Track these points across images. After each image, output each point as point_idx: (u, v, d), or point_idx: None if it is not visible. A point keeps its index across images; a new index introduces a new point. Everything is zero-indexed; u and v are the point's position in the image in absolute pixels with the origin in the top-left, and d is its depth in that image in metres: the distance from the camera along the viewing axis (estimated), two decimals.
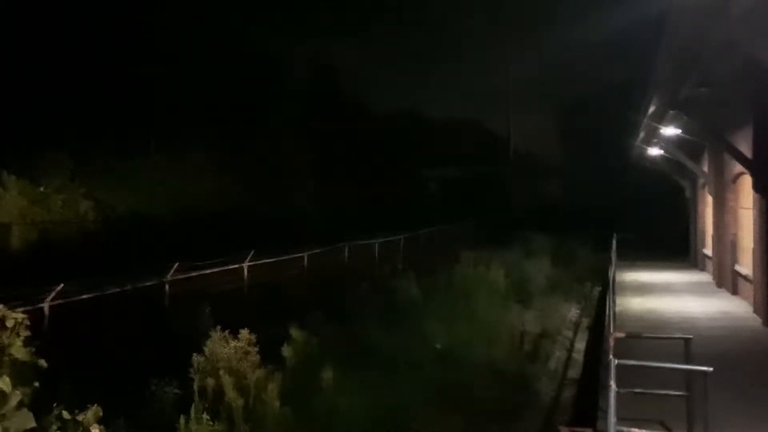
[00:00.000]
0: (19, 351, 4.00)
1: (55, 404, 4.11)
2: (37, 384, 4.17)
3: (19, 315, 4.17)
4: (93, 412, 4.06)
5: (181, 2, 38.59)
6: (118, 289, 13.32)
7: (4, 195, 22.99)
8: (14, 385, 3.75)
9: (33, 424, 3.95)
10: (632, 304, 16.21)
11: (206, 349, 8.42)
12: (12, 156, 23.95)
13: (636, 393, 7.08)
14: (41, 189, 24.73)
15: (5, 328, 4.00)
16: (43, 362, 4.22)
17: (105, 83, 31.99)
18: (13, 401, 3.71)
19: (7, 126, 25.91)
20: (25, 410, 3.87)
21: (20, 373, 3.94)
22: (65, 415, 3.94)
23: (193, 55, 37.51)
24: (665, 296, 17.45)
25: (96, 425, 4.16)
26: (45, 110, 28.72)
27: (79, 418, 4.01)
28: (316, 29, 53.26)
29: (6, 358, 3.96)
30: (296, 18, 50.98)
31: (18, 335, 4.07)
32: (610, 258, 19.65)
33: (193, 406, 7.56)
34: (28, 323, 4.26)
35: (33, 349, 4.18)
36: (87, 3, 32.72)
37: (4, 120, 26.07)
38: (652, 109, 16.14)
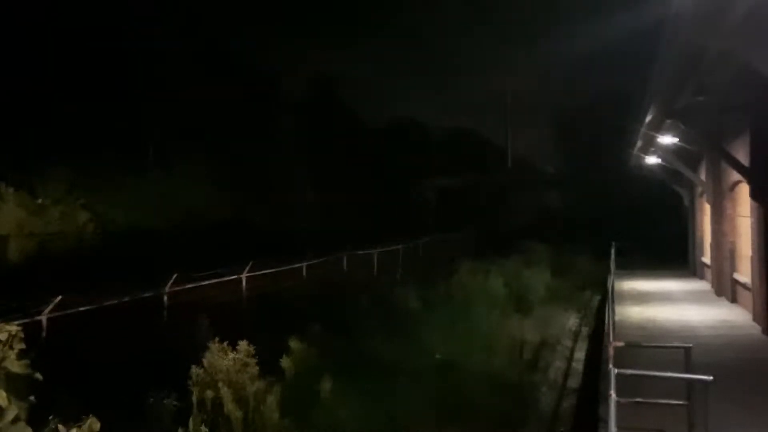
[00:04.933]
0: (13, 364, 3.96)
1: (51, 417, 4.08)
2: (33, 398, 4.13)
3: (13, 327, 4.13)
4: (89, 424, 4.02)
5: (179, 14, 38.73)
6: (116, 301, 13.26)
7: (1, 207, 22.95)
8: (9, 399, 3.71)
9: None
10: (632, 313, 16.19)
11: (205, 361, 8.38)
12: (9, 168, 23.93)
13: (636, 402, 7.05)
14: (39, 201, 24.69)
15: None
16: (38, 375, 4.18)
17: (103, 95, 32.04)
18: (10, 415, 3.68)
19: (5, 137, 25.90)
20: (22, 424, 3.84)
21: (15, 387, 3.90)
22: (61, 429, 3.91)
23: (191, 67, 37.61)
24: (664, 305, 17.43)
25: None
26: (43, 122, 28.73)
27: (74, 431, 3.97)
28: (314, 40, 53.43)
29: (0, 372, 3.93)
30: (294, 29, 51.14)
31: (12, 348, 4.03)
32: (608, 267, 19.64)
33: (191, 418, 7.53)
34: (23, 336, 4.22)
35: (28, 362, 4.14)
36: (86, 14, 32.81)
37: (1, 131, 26.07)
38: (649, 117, 16.17)
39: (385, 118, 55.84)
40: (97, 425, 4.07)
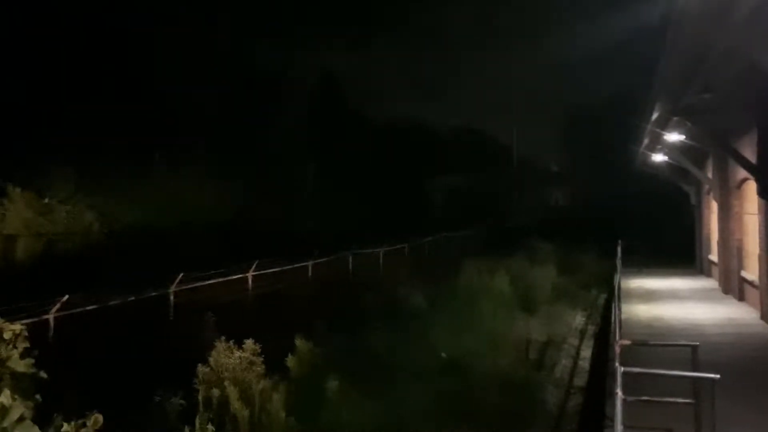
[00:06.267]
0: (17, 363, 3.96)
1: (55, 414, 4.09)
2: (38, 396, 4.13)
3: (17, 326, 4.14)
4: (93, 420, 4.01)
5: (184, 13, 38.79)
6: (122, 300, 13.32)
7: (9, 207, 23.05)
8: (14, 398, 3.71)
9: None
10: (638, 311, 16.14)
11: (211, 360, 8.39)
12: (16, 168, 24.02)
13: (643, 401, 7.03)
14: (46, 201, 24.79)
15: (2, 340, 3.96)
16: (43, 374, 4.19)
17: (109, 95, 32.12)
18: (15, 414, 3.68)
19: (11, 138, 26.00)
20: (28, 422, 3.84)
21: (20, 386, 3.90)
22: (66, 427, 3.91)
23: (197, 67, 37.67)
24: (671, 303, 17.37)
25: None
26: (49, 122, 28.84)
27: (72, 427, 3.96)
28: (320, 39, 53.47)
29: (5, 371, 3.92)
30: (300, 29, 51.21)
31: (15, 347, 4.03)
32: (615, 265, 19.57)
33: (197, 416, 7.54)
34: (27, 334, 4.22)
35: (32, 361, 4.14)
36: (90, 14, 32.90)
37: (7, 132, 26.18)
38: (655, 115, 16.11)
39: (392, 117, 55.82)
40: (101, 420, 4.07)
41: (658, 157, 22.74)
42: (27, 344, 4.17)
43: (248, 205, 34.59)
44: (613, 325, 12.62)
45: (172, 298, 14.53)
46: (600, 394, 9.71)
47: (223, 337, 8.74)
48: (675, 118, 15.73)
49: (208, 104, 37.12)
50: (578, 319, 19.46)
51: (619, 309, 12.51)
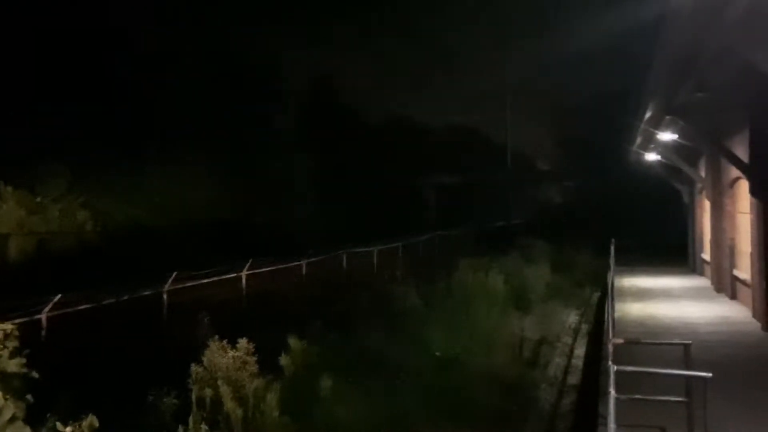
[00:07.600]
0: (8, 363, 3.93)
1: (48, 415, 4.06)
2: (30, 396, 4.09)
3: (7, 326, 4.10)
4: (89, 422, 4.00)
5: (179, 11, 38.68)
6: (116, 300, 13.26)
7: (1, 206, 22.94)
8: (5, 398, 3.67)
9: None
10: (632, 309, 16.19)
11: (204, 359, 8.37)
12: (8, 166, 23.90)
13: (636, 399, 7.05)
14: (38, 199, 24.67)
15: None
16: (35, 374, 4.15)
17: (102, 93, 32.01)
18: (6, 414, 3.65)
19: (4, 136, 25.87)
20: (20, 423, 3.81)
21: (11, 386, 3.86)
22: (59, 427, 3.88)
23: (191, 65, 37.57)
24: (664, 302, 17.43)
25: None
26: (43, 120, 28.71)
27: (68, 429, 3.94)
28: (314, 38, 53.45)
29: None
30: (294, 27, 51.14)
31: (5, 347, 3.99)
32: (608, 263, 19.62)
33: (191, 416, 7.52)
34: (17, 334, 4.18)
35: (24, 361, 4.10)
36: (85, 12, 32.78)
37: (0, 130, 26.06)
38: (648, 114, 16.16)
39: (385, 116, 55.73)
40: (96, 423, 4.05)
41: (651, 156, 22.82)
42: (17, 343, 4.13)
43: (242, 204, 34.53)
44: (606, 323, 12.67)
45: (165, 297, 14.47)
46: (593, 393, 9.73)
47: (216, 336, 8.72)
48: (668, 117, 15.79)
49: (203, 103, 37.01)
50: (572, 318, 19.53)
51: (613, 307, 12.55)
